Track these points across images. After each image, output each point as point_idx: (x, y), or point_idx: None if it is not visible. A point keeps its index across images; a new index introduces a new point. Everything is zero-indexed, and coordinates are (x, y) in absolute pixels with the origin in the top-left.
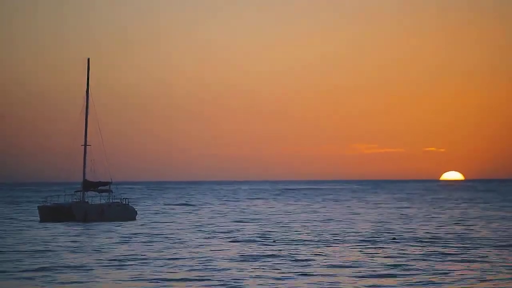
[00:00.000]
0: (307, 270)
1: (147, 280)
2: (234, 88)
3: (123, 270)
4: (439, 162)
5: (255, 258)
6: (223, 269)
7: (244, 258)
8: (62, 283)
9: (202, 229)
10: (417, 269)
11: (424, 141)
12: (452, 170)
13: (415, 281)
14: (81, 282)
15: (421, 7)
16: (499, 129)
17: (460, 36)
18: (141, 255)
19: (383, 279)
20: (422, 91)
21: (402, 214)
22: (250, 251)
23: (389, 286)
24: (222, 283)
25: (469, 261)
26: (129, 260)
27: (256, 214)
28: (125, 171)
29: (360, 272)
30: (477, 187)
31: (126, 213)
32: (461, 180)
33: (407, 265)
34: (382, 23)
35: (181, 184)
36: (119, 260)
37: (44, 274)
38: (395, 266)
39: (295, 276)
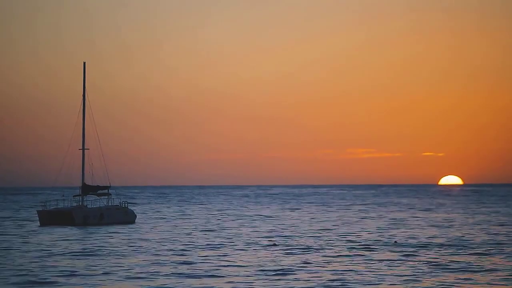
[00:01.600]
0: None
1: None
2: (231, 93)
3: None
4: (437, 166)
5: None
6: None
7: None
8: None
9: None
10: None
11: (422, 146)
12: (451, 175)
13: None
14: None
15: (421, 13)
16: (497, 134)
17: (459, 42)
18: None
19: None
20: (420, 96)
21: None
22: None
23: None
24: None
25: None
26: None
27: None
28: (122, 175)
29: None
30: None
31: (126, 217)
32: (460, 185)
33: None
34: (379, 29)
35: (178, 188)
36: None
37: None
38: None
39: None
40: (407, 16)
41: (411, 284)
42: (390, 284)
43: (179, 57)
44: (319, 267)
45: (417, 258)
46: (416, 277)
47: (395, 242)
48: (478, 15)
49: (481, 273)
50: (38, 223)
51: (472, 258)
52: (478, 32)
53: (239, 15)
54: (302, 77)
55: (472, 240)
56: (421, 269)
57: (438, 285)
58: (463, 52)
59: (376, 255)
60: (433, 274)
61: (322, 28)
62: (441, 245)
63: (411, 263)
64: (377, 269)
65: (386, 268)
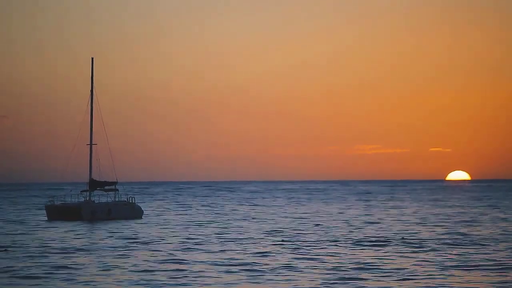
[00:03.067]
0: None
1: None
2: (236, 90)
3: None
4: (445, 162)
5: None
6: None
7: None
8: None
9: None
10: None
11: (430, 141)
12: (459, 170)
13: None
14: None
15: (425, 8)
16: (505, 128)
17: (465, 34)
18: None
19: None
20: (427, 91)
21: None
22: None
23: None
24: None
25: None
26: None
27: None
28: (128, 171)
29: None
30: None
31: (133, 212)
32: (468, 180)
33: None
34: (385, 21)
35: (181, 184)
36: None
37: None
38: None
39: None
40: (412, 7)
41: None
42: None
43: (185, 53)
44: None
45: None
46: None
47: (403, 238)
48: None
49: None
50: (46, 218)
51: None
52: (483, 27)
53: (244, 9)
54: (307, 73)
55: None
56: None
57: None
58: (470, 46)
59: None
60: None
61: (325, 22)
62: None
63: None
64: None
65: None
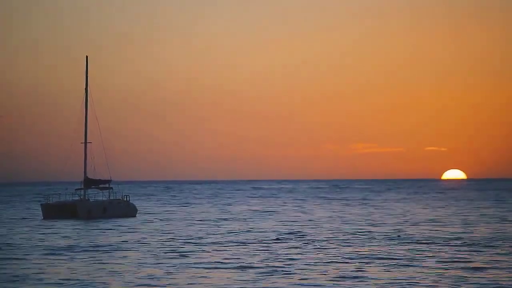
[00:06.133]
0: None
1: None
2: (232, 90)
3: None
4: (440, 161)
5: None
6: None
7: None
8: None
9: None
10: None
11: (425, 141)
12: (454, 169)
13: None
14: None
15: (423, 7)
16: (501, 128)
17: (461, 36)
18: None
19: None
20: (423, 90)
21: None
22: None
23: None
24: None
25: None
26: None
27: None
28: (122, 170)
29: None
30: None
31: (128, 210)
32: (464, 179)
33: None
34: (383, 22)
35: (176, 183)
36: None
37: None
38: None
39: None
40: (409, 12)
41: None
42: None
43: (183, 52)
44: None
45: None
46: None
47: (399, 236)
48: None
49: None
50: (41, 217)
51: None
52: (479, 29)
53: (239, 10)
54: (304, 73)
55: None
56: None
57: None
58: (464, 47)
59: None
60: None
61: (322, 23)
62: None
63: None
64: None
65: None
